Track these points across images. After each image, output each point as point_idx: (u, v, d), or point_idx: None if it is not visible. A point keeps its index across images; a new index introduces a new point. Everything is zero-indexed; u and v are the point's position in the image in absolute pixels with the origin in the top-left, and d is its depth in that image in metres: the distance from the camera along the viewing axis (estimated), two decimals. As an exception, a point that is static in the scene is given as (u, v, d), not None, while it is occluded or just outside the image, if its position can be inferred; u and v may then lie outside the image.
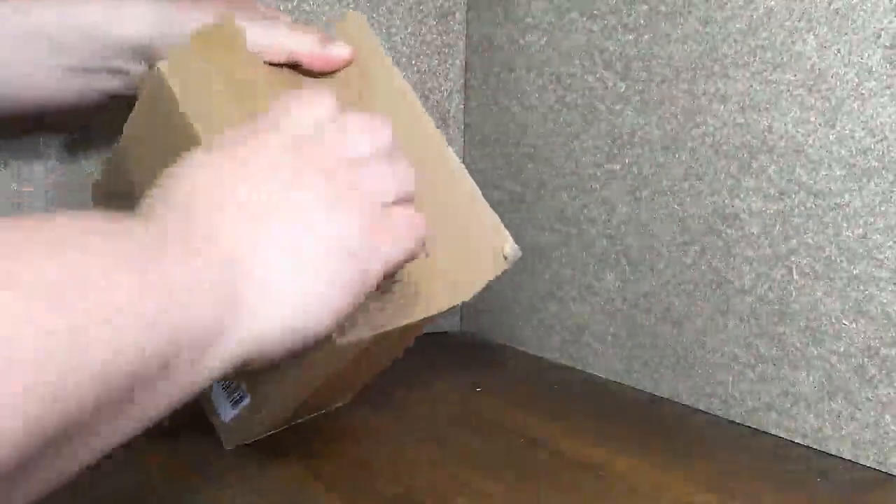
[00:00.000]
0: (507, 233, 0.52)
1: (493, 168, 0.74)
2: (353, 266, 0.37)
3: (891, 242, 0.49)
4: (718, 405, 0.59)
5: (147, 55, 0.51)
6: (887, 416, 0.50)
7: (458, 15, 0.75)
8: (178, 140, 0.45)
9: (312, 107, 0.40)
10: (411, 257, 0.41)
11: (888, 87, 0.48)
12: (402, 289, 0.48)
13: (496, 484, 0.49)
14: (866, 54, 0.49)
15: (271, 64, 0.52)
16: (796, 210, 0.53)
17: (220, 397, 0.52)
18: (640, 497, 0.48)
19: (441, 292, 0.50)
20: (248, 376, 0.49)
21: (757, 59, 0.54)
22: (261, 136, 0.38)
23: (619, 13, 0.62)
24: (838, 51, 0.50)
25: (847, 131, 0.50)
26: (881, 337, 0.50)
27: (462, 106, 0.77)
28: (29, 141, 0.61)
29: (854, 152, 0.50)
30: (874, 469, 0.51)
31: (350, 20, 0.54)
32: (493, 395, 0.63)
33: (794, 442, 0.55)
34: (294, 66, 0.52)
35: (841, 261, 0.51)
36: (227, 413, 0.52)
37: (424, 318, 0.49)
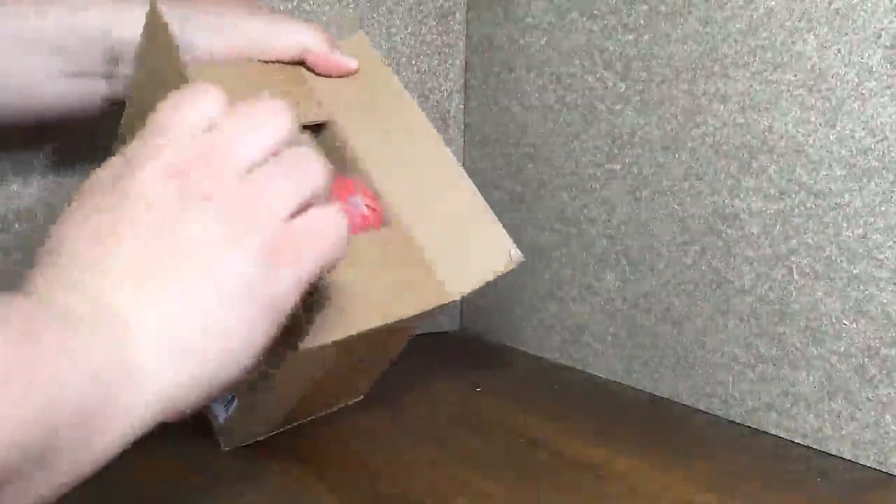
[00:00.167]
0: (509, 239, 0.52)
1: (493, 168, 0.74)
2: (256, 300, 0.34)
3: (891, 242, 0.49)
4: (718, 405, 0.59)
5: None
6: (887, 416, 0.50)
7: (458, 15, 0.75)
8: (168, 84, 0.42)
9: (196, 106, 0.36)
10: (330, 264, 0.37)
11: (888, 87, 0.48)
12: (376, 289, 0.47)
13: (496, 484, 0.49)
14: (867, 54, 0.49)
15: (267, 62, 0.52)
16: (796, 210, 0.53)
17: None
18: (640, 497, 0.48)
19: (430, 292, 0.50)
20: None
21: (757, 59, 0.54)
22: (136, 172, 0.34)
23: (619, 13, 0.62)
24: (838, 51, 0.50)
25: (847, 131, 0.50)
26: (881, 337, 0.50)
27: (462, 106, 0.77)
28: (28, 145, 0.61)
29: (854, 152, 0.50)
30: (874, 469, 0.51)
31: (354, 40, 0.56)
32: (493, 395, 0.63)
33: (794, 442, 0.55)
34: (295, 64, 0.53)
35: (841, 261, 0.51)
36: (220, 414, 0.52)
37: (414, 317, 0.49)
